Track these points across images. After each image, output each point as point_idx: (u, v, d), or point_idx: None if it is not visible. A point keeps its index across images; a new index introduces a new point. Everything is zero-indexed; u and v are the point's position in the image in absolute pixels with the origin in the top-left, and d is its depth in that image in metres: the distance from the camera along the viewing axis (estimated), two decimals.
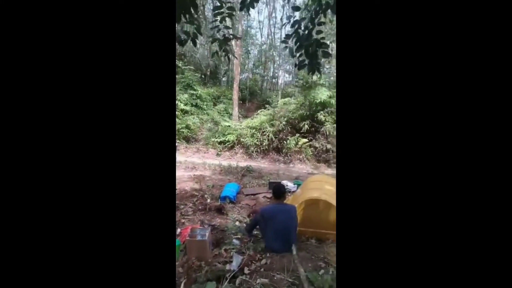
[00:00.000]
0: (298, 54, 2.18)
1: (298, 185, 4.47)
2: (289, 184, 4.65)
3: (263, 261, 2.25)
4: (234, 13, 2.28)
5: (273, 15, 14.86)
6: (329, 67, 10.30)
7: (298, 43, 2.10)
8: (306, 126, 7.51)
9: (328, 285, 1.88)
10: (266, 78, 17.02)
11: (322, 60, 8.46)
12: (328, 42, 2.11)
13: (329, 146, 7.18)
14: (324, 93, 7.25)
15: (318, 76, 7.66)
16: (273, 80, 17.04)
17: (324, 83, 8.05)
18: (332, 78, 9.20)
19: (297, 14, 3.73)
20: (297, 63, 2.24)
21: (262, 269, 2.13)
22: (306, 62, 2.16)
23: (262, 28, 18.01)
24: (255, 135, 7.99)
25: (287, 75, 17.05)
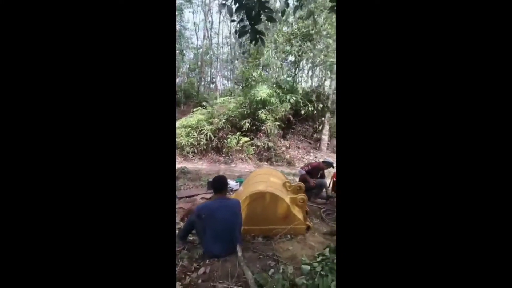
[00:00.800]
0: (238, 19, 1.87)
1: (241, 182, 4.16)
2: (231, 183, 4.28)
3: (201, 270, 1.81)
4: None
5: (210, 19, 14.38)
6: (269, 71, 10.39)
7: (237, 3, 1.79)
8: (247, 125, 7.33)
9: (280, 284, 1.58)
10: (203, 83, 16.25)
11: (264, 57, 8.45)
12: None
13: (270, 144, 7.16)
14: (265, 91, 7.22)
15: (258, 72, 7.63)
16: (211, 85, 16.40)
17: (263, 83, 8.06)
18: (272, 79, 9.32)
19: None
20: (237, 29, 1.93)
21: (199, 281, 1.71)
22: (248, 29, 1.87)
23: (198, 31, 17.16)
24: (190, 134, 7.35)
25: (225, 81, 16.61)
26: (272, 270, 1.90)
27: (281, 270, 1.88)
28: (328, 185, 4.04)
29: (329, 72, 8.87)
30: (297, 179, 4.35)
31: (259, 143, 7.21)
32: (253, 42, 1.93)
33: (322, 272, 1.82)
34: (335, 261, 2.01)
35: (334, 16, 8.00)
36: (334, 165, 4.03)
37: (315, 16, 7.59)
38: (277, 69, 9.12)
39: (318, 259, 2.04)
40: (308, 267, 1.89)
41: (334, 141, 9.42)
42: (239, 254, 1.96)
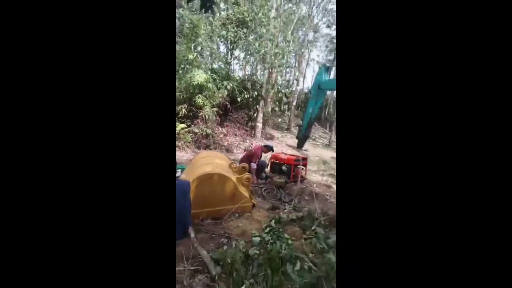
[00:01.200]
0: None
1: (182, 169, 3.99)
2: None
3: None
4: None
5: None
6: (203, 55, 9.97)
7: None
8: (184, 110, 6.95)
9: (238, 256, 1.66)
10: None
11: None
12: None
13: (209, 131, 7.01)
14: (202, 76, 6.94)
15: (194, 55, 7.25)
16: None
17: (199, 68, 7.70)
18: (209, 65, 8.99)
19: None
20: None
21: None
22: None
23: None
24: None
25: None
26: (225, 247, 1.96)
27: (233, 246, 1.96)
28: (266, 165, 4.34)
29: (261, 62, 9.19)
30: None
31: (197, 130, 6.96)
32: (202, 10, 1.85)
33: (271, 241, 1.99)
34: (281, 229, 2.22)
35: (268, 3, 8.29)
36: (274, 149, 4.40)
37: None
38: (211, 55, 8.86)
39: (266, 231, 2.21)
40: (258, 239, 2.03)
41: (267, 129, 9.97)
42: (192, 235, 1.93)
